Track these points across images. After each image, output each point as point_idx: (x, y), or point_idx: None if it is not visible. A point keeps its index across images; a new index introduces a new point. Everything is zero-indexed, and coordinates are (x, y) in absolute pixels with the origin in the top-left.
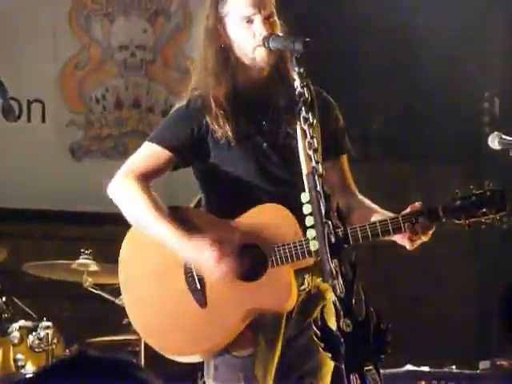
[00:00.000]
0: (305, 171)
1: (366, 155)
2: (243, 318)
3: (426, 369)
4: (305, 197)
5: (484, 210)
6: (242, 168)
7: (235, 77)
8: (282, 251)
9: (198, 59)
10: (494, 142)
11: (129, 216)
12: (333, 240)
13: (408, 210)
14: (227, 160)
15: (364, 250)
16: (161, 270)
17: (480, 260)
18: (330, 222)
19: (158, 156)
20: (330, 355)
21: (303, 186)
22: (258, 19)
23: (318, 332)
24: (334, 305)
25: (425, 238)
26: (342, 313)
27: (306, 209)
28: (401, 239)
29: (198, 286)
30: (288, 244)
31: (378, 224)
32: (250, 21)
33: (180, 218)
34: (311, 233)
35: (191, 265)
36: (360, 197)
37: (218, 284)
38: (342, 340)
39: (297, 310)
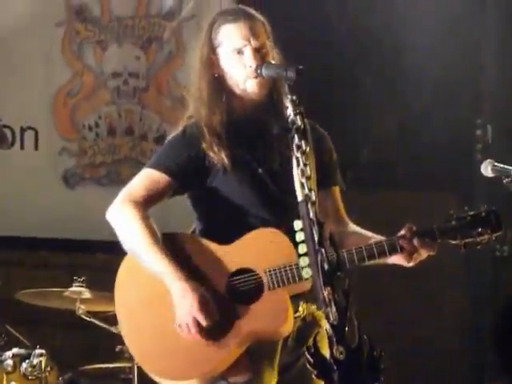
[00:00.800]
0: (300, 198)
1: (357, 181)
2: (240, 341)
3: None
4: (297, 225)
5: (479, 229)
6: (238, 194)
7: (229, 105)
8: (277, 274)
9: (193, 88)
10: (486, 169)
11: (124, 242)
12: (326, 267)
13: (403, 231)
14: (223, 186)
15: (354, 277)
16: (158, 295)
17: (472, 286)
18: (323, 250)
19: (157, 181)
20: (323, 382)
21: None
22: (248, 51)
23: (311, 359)
24: (327, 332)
25: (423, 256)
26: (335, 340)
27: (299, 236)
28: (397, 260)
29: None
30: (284, 267)
31: (373, 246)
32: (240, 52)
33: (175, 244)
34: (304, 260)
35: None
36: (352, 225)
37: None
38: (335, 367)
39: (292, 337)
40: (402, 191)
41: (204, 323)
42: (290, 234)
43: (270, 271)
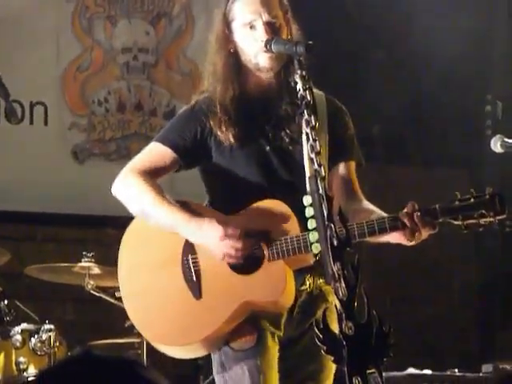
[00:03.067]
0: (309, 173)
1: (369, 157)
2: (237, 310)
3: (428, 372)
4: (307, 200)
5: (482, 212)
6: (244, 171)
7: (244, 81)
8: (278, 245)
9: (208, 64)
10: (496, 145)
11: (133, 207)
12: (335, 243)
13: (405, 209)
14: (229, 163)
15: (364, 253)
16: (158, 263)
17: (481, 262)
18: (332, 225)
19: (163, 155)
20: (332, 358)
21: (305, 190)
22: (259, 24)
23: (320, 334)
24: (336, 308)
25: (425, 234)
26: (344, 316)
27: (308, 212)
28: (398, 238)
29: (194, 278)
30: (285, 239)
31: (375, 222)
32: (252, 26)
33: (186, 208)
34: (313, 236)
35: (188, 256)
36: (365, 202)
37: (213, 276)
38: (345, 343)
39: (298, 310)
40: (413, 167)
41: (237, 233)
42: (295, 211)
43: (271, 242)
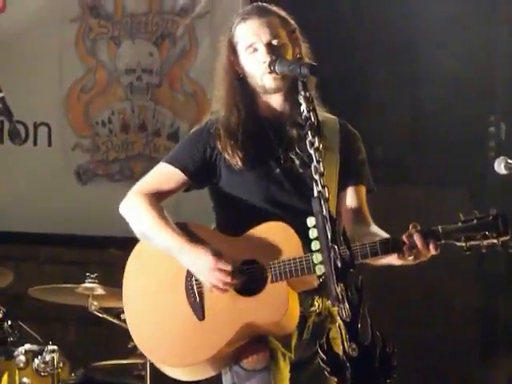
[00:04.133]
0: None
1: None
2: (239, 331)
3: None
4: (310, 221)
5: (485, 233)
6: (252, 193)
7: (253, 104)
8: (281, 267)
9: (215, 90)
10: (500, 166)
11: (135, 228)
12: (339, 264)
13: (408, 231)
14: (238, 184)
15: (367, 274)
16: (163, 284)
17: (486, 284)
18: (335, 247)
19: (171, 176)
20: (336, 380)
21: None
22: (260, 47)
23: (324, 356)
24: (340, 329)
25: (427, 256)
26: (347, 337)
27: (312, 233)
28: (400, 260)
29: (197, 300)
30: (288, 260)
31: (377, 243)
32: (254, 49)
33: (185, 231)
34: (317, 257)
35: (192, 277)
36: (374, 226)
37: (216, 298)
38: (348, 364)
39: (308, 331)
40: (415, 188)
41: (228, 268)
42: (303, 234)
43: (274, 264)
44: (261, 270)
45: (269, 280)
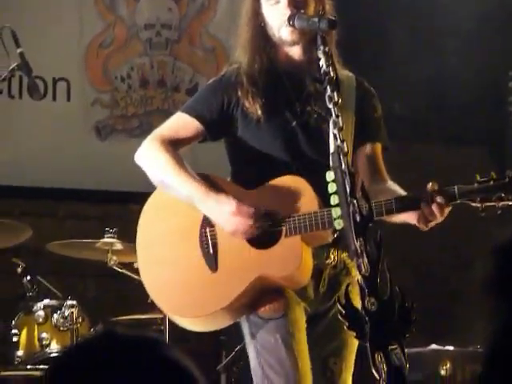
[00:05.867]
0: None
1: (390, 135)
2: (252, 283)
3: (450, 348)
4: (329, 176)
5: (501, 195)
6: (269, 144)
7: (273, 55)
8: (296, 221)
9: (238, 36)
10: None
11: (153, 176)
12: (358, 219)
13: (425, 189)
14: (254, 135)
15: (387, 230)
16: (177, 234)
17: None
18: (354, 201)
19: (188, 125)
20: (354, 334)
21: (328, 168)
22: None
23: (343, 310)
24: (359, 283)
25: (440, 219)
26: (366, 291)
27: (331, 187)
28: (415, 220)
29: (211, 251)
30: (303, 215)
31: (393, 201)
32: (277, 1)
33: (206, 181)
34: (336, 211)
35: (206, 228)
36: (390, 183)
37: (230, 250)
38: (367, 319)
39: (323, 283)
40: (435, 145)
41: (251, 210)
42: (318, 188)
43: (289, 218)
44: (276, 223)
45: (283, 234)
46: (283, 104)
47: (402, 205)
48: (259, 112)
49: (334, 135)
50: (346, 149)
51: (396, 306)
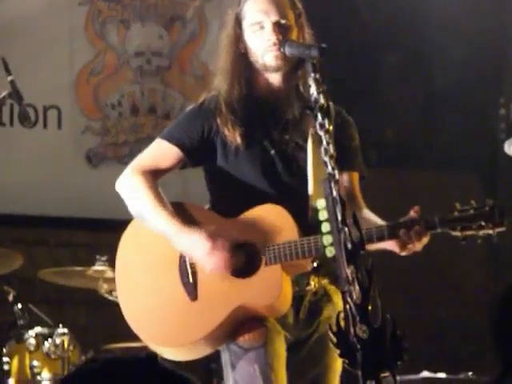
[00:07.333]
0: (311, 183)
1: (381, 161)
2: (232, 313)
3: (442, 375)
4: (320, 203)
5: (481, 223)
6: (247, 173)
7: (252, 82)
8: (276, 250)
9: (219, 63)
10: (510, 148)
11: (131, 207)
12: (349, 246)
13: (405, 218)
14: (233, 163)
15: (378, 256)
16: (156, 263)
17: (496, 264)
18: (346, 229)
19: (168, 153)
20: (346, 361)
21: (306, 195)
22: (267, 25)
23: (334, 338)
24: (351, 311)
25: (418, 247)
26: (358, 319)
27: (322, 215)
28: (393, 246)
29: (191, 280)
30: (283, 244)
31: (373, 230)
32: (261, 26)
33: (181, 212)
34: (327, 239)
35: (185, 258)
36: (366, 211)
37: (209, 279)
38: (359, 347)
39: (304, 310)
40: (426, 171)
41: (225, 252)
42: (296, 217)
43: (269, 247)
44: (255, 252)
45: (263, 263)
46: (262, 132)
47: (382, 234)
48: (238, 140)
49: (325, 162)
50: (337, 176)
51: (388, 334)
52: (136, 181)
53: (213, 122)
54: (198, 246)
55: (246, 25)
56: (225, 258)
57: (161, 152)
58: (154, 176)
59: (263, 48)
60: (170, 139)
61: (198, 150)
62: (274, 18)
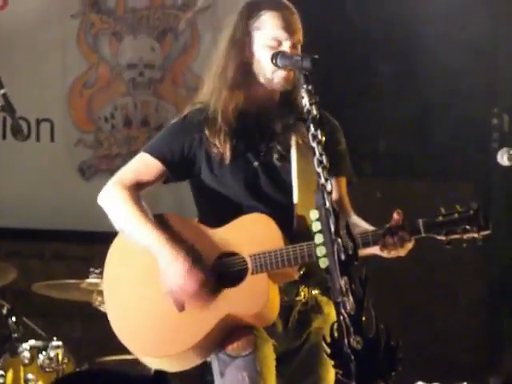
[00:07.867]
0: (296, 193)
1: (374, 171)
2: (220, 322)
3: None
4: (314, 214)
5: (465, 227)
6: (232, 185)
7: (250, 93)
8: (262, 259)
9: (216, 68)
10: (503, 157)
11: (115, 221)
12: (342, 257)
13: (390, 223)
14: (218, 176)
15: (371, 267)
16: (144, 274)
17: (491, 272)
18: (339, 240)
19: (150, 166)
20: (340, 372)
21: (291, 207)
22: (287, 44)
23: (328, 349)
24: (344, 322)
25: (402, 252)
26: (352, 330)
27: (315, 226)
28: (376, 250)
29: None
30: (268, 252)
31: (359, 236)
32: (279, 43)
33: (164, 224)
34: (321, 250)
35: None
36: (354, 217)
37: None
38: (353, 357)
39: (293, 320)
40: (419, 180)
41: (200, 278)
42: (280, 226)
43: (254, 256)
44: (241, 261)
45: (249, 271)
46: (245, 144)
47: (367, 240)
48: (228, 152)
49: (318, 174)
50: (329, 187)
51: (382, 344)
52: (118, 194)
53: (195, 136)
54: (173, 266)
55: (259, 36)
56: (192, 287)
57: (143, 165)
58: (136, 189)
59: (272, 65)
60: (152, 153)
61: (180, 165)
62: (295, 39)
